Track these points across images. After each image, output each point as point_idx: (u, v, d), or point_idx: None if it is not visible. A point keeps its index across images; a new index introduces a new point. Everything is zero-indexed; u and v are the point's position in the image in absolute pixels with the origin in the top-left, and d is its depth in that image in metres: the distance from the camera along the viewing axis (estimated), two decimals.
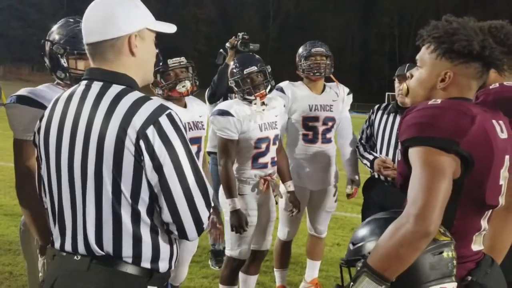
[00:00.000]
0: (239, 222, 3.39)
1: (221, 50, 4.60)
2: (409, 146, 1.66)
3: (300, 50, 4.18)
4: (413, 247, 1.49)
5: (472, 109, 1.67)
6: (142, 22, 1.74)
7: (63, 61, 2.52)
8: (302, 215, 4.24)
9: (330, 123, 4.13)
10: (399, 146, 1.75)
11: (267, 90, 3.52)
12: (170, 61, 3.13)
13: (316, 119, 4.08)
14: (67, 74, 2.53)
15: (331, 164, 4.21)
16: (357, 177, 4.27)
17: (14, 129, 2.45)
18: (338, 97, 4.18)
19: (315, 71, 4.04)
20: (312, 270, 4.44)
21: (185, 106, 3.30)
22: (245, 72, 3.46)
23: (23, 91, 2.48)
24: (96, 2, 1.72)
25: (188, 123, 3.21)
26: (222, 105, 3.53)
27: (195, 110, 3.35)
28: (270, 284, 4.49)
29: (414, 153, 1.63)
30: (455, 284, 1.61)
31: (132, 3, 1.73)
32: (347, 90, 4.29)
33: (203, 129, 3.39)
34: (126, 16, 1.69)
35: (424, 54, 1.80)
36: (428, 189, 1.53)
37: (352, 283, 1.57)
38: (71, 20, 2.61)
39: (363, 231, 1.71)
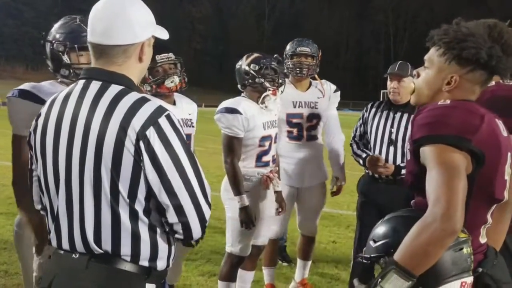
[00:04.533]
0: (249, 218, 3.43)
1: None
2: (421, 144, 1.71)
3: (287, 47, 4.20)
4: (440, 244, 1.57)
5: (479, 108, 1.76)
6: (153, 29, 1.75)
7: (65, 58, 2.52)
8: (291, 213, 4.25)
9: (314, 120, 4.14)
10: (408, 146, 1.83)
11: (279, 90, 3.60)
12: (158, 57, 3.09)
13: (300, 116, 4.10)
14: (71, 70, 2.52)
15: (318, 162, 4.22)
16: (341, 175, 4.27)
17: (14, 124, 2.42)
18: (324, 95, 4.19)
19: (298, 71, 4.08)
20: (302, 269, 4.44)
21: (174, 104, 3.29)
22: (273, 63, 3.54)
23: (26, 86, 2.46)
24: (107, 2, 1.69)
25: (177, 120, 3.20)
26: (229, 102, 3.52)
27: (184, 108, 3.35)
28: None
29: (428, 152, 1.69)
30: (472, 278, 1.69)
31: (144, 8, 1.73)
32: (334, 87, 4.30)
33: (193, 126, 3.39)
34: (142, 22, 1.70)
35: (433, 56, 1.86)
36: (448, 187, 1.59)
37: (380, 279, 1.63)
38: (67, 18, 2.62)
39: (384, 229, 1.77)
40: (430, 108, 1.76)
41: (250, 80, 3.55)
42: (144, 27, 1.71)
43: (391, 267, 1.61)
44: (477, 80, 1.81)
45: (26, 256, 2.59)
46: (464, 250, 1.66)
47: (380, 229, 1.78)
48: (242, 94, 3.60)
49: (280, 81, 3.58)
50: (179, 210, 1.62)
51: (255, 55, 3.61)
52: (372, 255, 1.74)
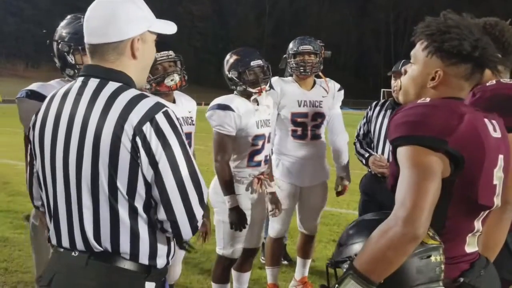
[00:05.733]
0: (239, 219, 3.36)
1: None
2: (397, 145, 1.63)
3: (290, 45, 4.15)
4: (400, 250, 1.47)
5: (461, 107, 1.64)
6: (144, 25, 1.73)
7: (70, 59, 2.60)
8: (293, 212, 4.23)
9: (319, 120, 4.11)
10: (390, 147, 1.73)
11: (267, 86, 3.50)
12: (157, 55, 3.06)
13: (305, 115, 4.05)
14: (75, 70, 2.60)
15: (321, 161, 4.19)
16: (346, 175, 4.25)
17: (24, 124, 2.48)
18: (328, 93, 4.16)
19: (302, 70, 4.03)
20: (302, 268, 4.41)
21: (174, 102, 3.26)
22: (251, 64, 3.43)
23: (33, 86, 2.55)
24: (98, 2, 1.71)
25: (178, 118, 3.16)
26: (221, 99, 3.45)
27: (184, 106, 3.31)
28: (266, 280, 4.48)
29: (402, 153, 1.59)
30: None
31: (134, 5, 1.71)
32: (338, 86, 4.26)
33: (193, 124, 3.36)
34: (130, 19, 1.68)
35: (418, 51, 1.76)
36: (417, 190, 1.50)
37: (337, 285, 1.55)
38: (73, 17, 2.68)
39: (350, 232, 1.69)
40: (408, 107, 1.66)
41: (234, 86, 3.51)
42: (132, 23, 1.69)
43: (348, 272, 1.53)
44: (462, 74, 1.69)
45: (40, 248, 2.63)
46: (432, 258, 1.54)
47: (347, 232, 1.70)
48: (235, 92, 3.54)
49: (266, 76, 3.48)
50: (169, 208, 1.61)
51: (234, 58, 3.49)
52: (336, 259, 1.67)
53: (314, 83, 4.17)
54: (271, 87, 3.74)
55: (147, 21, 1.74)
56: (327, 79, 4.23)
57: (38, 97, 2.46)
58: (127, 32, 1.68)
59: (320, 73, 4.18)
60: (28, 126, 2.43)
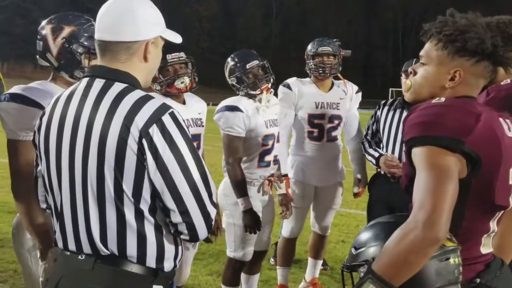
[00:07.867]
0: (253, 222, 3.34)
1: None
2: (413, 146, 1.60)
3: (309, 47, 4.15)
4: (421, 254, 1.45)
5: (477, 107, 1.62)
6: (159, 30, 1.74)
7: (81, 59, 2.43)
8: (307, 212, 4.22)
9: (336, 121, 4.10)
10: (404, 147, 1.70)
11: (270, 84, 3.49)
12: (169, 56, 3.05)
13: (322, 116, 4.05)
14: (83, 73, 2.42)
15: (336, 162, 4.19)
16: (363, 176, 4.25)
17: (7, 128, 2.34)
18: (346, 95, 4.15)
19: (321, 71, 4.02)
20: (313, 269, 4.40)
21: (184, 103, 3.24)
22: (247, 67, 3.44)
23: (16, 89, 2.38)
24: (117, 1, 1.70)
25: (187, 120, 3.14)
26: (228, 101, 3.45)
27: (194, 107, 3.30)
28: (275, 281, 4.47)
29: (418, 154, 1.57)
30: None
31: (152, 8, 1.73)
32: (356, 88, 4.26)
33: (202, 126, 3.34)
34: (147, 21, 1.69)
35: (431, 51, 1.72)
36: (435, 192, 1.47)
37: None
38: (82, 18, 2.51)
39: (366, 235, 1.67)
40: (423, 107, 1.63)
41: (238, 91, 3.53)
42: (149, 26, 1.69)
43: (367, 276, 1.50)
44: (481, 73, 1.68)
45: (24, 258, 2.53)
46: (451, 260, 1.53)
47: (362, 235, 1.68)
48: (241, 94, 3.53)
49: (266, 74, 3.48)
50: (184, 210, 1.60)
51: (231, 64, 3.53)
52: (352, 263, 1.65)
53: (332, 84, 4.16)
54: (274, 84, 3.73)
55: (161, 26, 1.75)
56: (346, 80, 4.21)
57: (22, 100, 2.32)
58: (144, 33, 1.68)
59: (339, 75, 4.17)
60: (12, 131, 2.32)
